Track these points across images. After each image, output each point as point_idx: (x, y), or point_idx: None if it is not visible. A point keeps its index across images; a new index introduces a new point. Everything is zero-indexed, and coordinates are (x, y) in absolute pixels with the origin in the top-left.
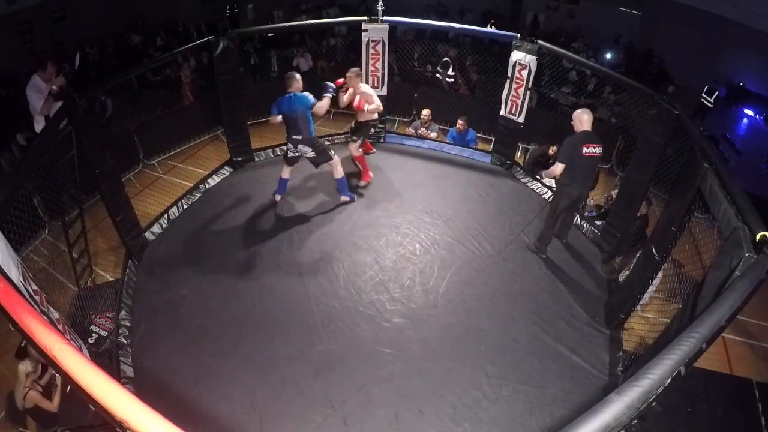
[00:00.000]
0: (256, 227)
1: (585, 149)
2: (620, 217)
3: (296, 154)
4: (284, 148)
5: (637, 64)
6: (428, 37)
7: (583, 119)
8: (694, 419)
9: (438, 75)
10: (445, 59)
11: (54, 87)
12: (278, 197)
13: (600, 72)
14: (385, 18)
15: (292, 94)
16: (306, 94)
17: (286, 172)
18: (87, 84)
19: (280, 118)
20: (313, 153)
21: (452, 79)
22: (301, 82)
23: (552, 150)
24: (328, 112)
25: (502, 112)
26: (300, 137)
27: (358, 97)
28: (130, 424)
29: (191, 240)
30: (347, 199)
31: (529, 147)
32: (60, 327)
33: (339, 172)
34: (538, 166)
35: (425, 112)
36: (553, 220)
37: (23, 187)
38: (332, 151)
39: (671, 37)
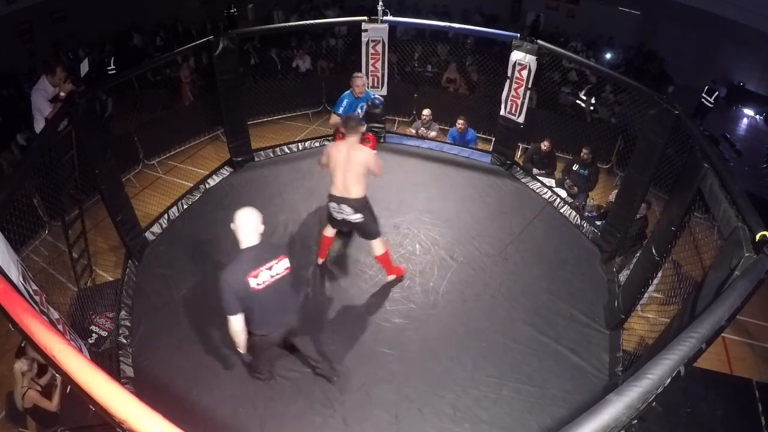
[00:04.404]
0: None
1: (252, 281)
2: (620, 217)
3: None
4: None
5: (638, 63)
6: (428, 36)
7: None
8: (694, 419)
9: (581, 103)
10: (588, 86)
11: (62, 93)
12: None
13: (600, 72)
14: (385, 18)
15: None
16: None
17: None
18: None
19: None
20: None
21: (593, 107)
22: (353, 84)
23: (544, 145)
24: (327, 112)
25: (502, 112)
26: None
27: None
28: (130, 424)
29: (191, 240)
30: None
31: (529, 147)
32: (60, 327)
33: None
34: (534, 164)
35: (426, 112)
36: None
37: (23, 187)
38: None
39: (671, 37)
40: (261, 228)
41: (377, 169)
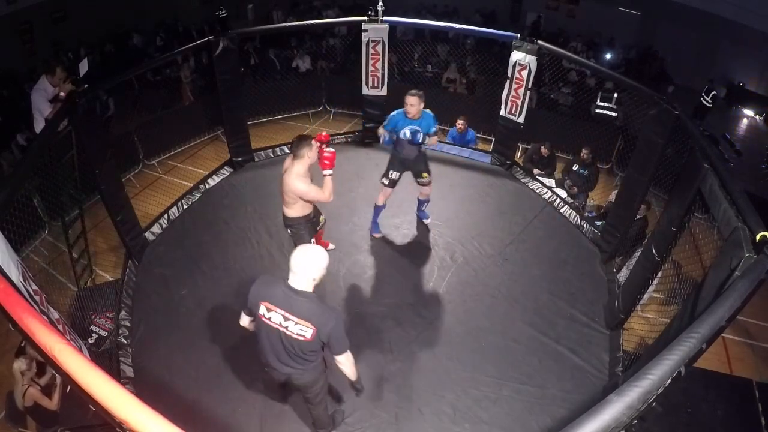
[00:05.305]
0: (256, 227)
1: (262, 308)
2: (620, 217)
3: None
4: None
5: (638, 63)
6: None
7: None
8: (694, 419)
9: (602, 110)
10: (607, 87)
11: (62, 93)
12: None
13: (600, 72)
14: (385, 18)
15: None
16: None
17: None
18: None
19: None
20: None
21: (616, 113)
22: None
23: (544, 150)
24: (327, 112)
25: (501, 112)
26: None
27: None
28: (130, 424)
29: (191, 240)
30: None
31: (529, 147)
32: (60, 327)
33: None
34: (533, 164)
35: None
36: None
37: (23, 187)
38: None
39: (671, 37)
40: (312, 273)
41: (310, 197)
